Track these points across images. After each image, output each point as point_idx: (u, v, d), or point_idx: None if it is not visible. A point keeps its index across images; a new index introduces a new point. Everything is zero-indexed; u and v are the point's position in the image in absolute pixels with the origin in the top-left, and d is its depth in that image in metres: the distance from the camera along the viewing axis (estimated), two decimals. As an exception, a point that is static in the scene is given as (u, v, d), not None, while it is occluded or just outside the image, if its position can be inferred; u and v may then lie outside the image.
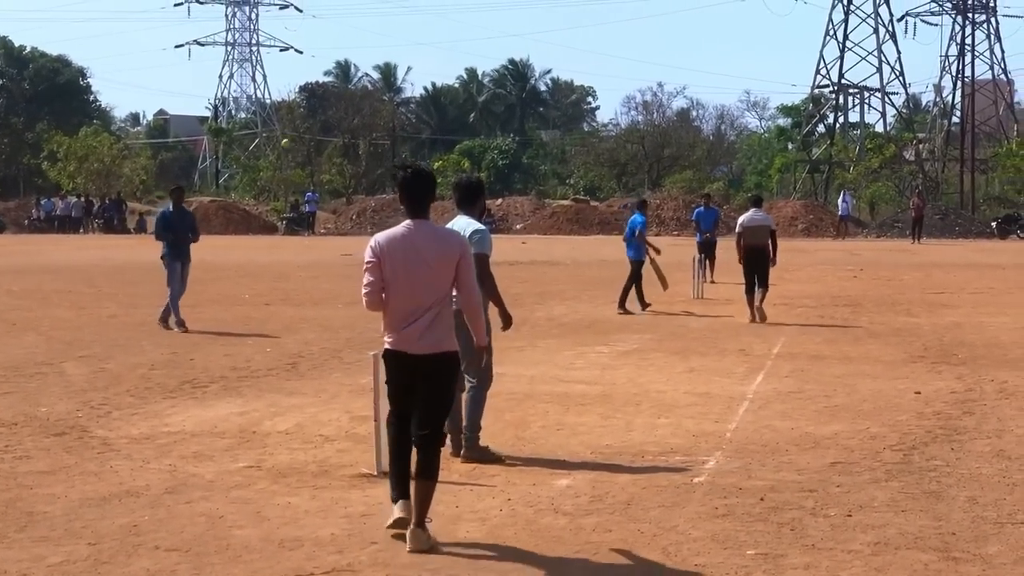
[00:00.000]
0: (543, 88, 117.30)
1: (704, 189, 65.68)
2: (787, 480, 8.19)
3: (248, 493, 7.85)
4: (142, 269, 30.49)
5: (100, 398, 11.55)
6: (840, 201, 57.56)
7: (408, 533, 6.64)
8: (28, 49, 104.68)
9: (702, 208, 29.12)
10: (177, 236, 18.01)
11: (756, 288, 19.17)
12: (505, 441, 9.56)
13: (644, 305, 20.58)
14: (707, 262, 26.59)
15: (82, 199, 64.93)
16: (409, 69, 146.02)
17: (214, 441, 9.55)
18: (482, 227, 9.01)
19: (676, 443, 9.52)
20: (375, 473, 8.32)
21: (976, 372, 13.35)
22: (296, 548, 6.62)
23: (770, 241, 19.52)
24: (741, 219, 20.14)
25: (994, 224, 57.26)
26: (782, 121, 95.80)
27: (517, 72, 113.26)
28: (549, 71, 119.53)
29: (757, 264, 19.31)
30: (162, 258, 18.10)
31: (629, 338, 16.76)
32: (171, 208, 18.50)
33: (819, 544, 6.68)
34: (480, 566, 6.33)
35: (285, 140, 77.85)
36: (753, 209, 20.35)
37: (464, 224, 8.89)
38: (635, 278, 20.74)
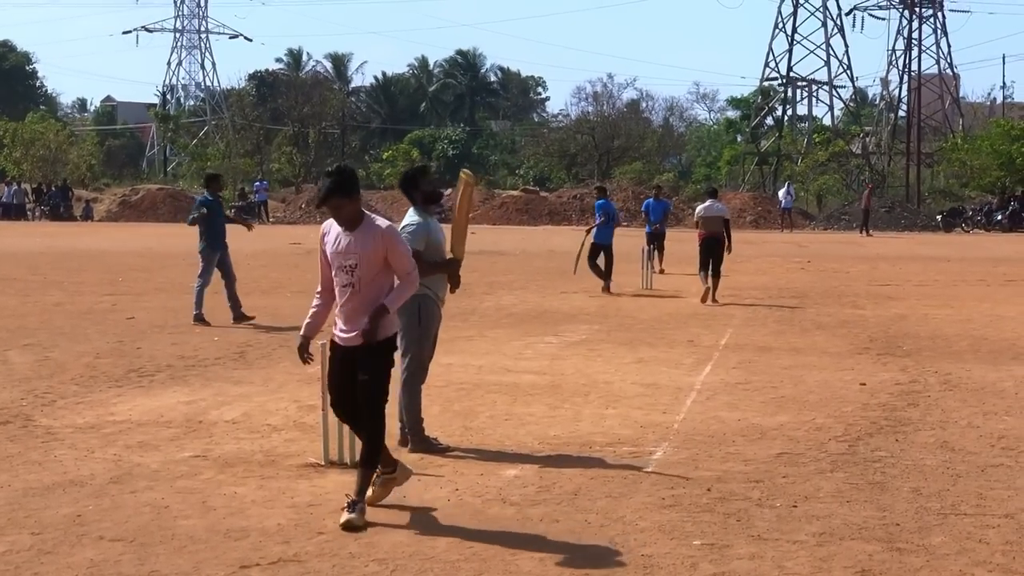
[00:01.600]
0: (493, 78, 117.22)
1: (654, 180, 65.93)
2: (734, 471, 8.23)
3: (194, 483, 7.80)
4: (87, 256, 30.28)
5: (45, 387, 11.45)
6: (784, 194, 57.91)
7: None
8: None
9: (652, 200, 29.30)
10: (217, 226, 17.43)
11: (710, 275, 20.59)
12: (453, 431, 9.55)
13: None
14: (656, 253, 27.02)
15: (26, 186, 64.23)
16: (364, 63, 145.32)
17: (160, 430, 9.48)
18: (410, 224, 8.95)
19: (624, 434, 9.54)
20: (322, 463, 8.30)
21: (920, 364, 13.47)
22: (242, 538, 6.59)
23: (725, 229, 20.94)
24: (698, 209, 21.76)
25: (939, 217, 57.82)
26: (731, 113, 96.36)
27: (467, 62, 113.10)
28: (498, 62, 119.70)
29: (712, 251, 20.75)
30: (201, 252, 17.32)
31: (578, 328, 16.78)
32: (209, 196, 17.70)
33: (765, 534, 6.72)
34: (427, 555, 6.31)
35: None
36: (710, 200, 21.71)
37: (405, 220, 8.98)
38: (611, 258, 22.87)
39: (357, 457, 8.26)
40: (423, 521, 6.98)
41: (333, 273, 7.25)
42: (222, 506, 7.23)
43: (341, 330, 7.22)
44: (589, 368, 13.10)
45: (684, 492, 7.64)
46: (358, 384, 7.13)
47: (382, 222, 7.31)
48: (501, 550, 6.43)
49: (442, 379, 12.13)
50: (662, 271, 27.13)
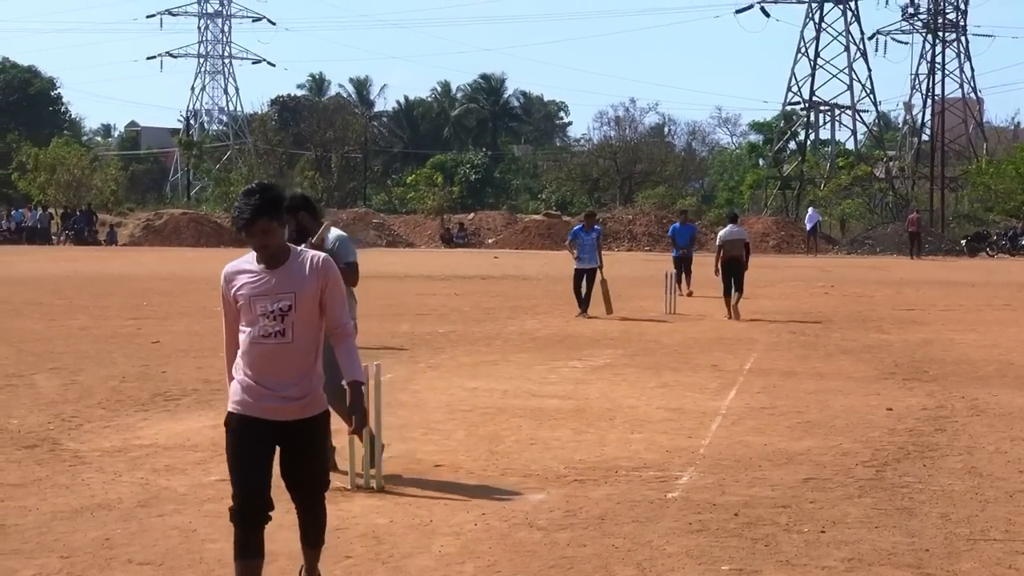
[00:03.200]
0: (515, 103, 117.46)
1: (676, 205, 65.98)
2: (761, 496, 8.21)
3: (221, 507, 7.76)
4: (112, 280, 30.44)
5: (71, 411, 11.49)
6: (808, 218, 58.00)
7: None
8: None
9: (678, 224, 29.56)
10: None
11: (733, 291, 22.12)
12: (479, 455, 9.56)
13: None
14: (684, 276, 27.55)
15: (51, 211, 64.58)
16: (384, 86, 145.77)
17: (186, 454, 9.51)
18: (341, 236, 8.92)
19: (650, 458, 9.53)
20: (349, 487, 8.30)
21: (947, 389, 13.42)
22: (270, 563, 6.57)
23: (745, 250, 22.75)
24: (720, 233, 23.43)
25: (963, 242, 57.65)
26: (753, 137, 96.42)
27: (490, 87, 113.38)
28: (521, 87, 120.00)
29: (734, 271, 22.30)
30: None
31: (602, 353, 16.77)
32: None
33: (793, 560, 6.70)
34: (455, 581, 6.32)
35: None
36: (731, 225, 23.61)
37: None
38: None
39: (383, 483, 8.31)
40: (450, 545, 6.97)
41: (245, 324, 5.71)
42: (249, 530, 7.23)
43: (264, 397, 5.62)
44: (614, 392, 13.09)
45: (711, 517, 7.62)
46: (300, 464, 5.74)
47: (315, 252, 5.90)
48: (528, 574, 6.42)
49: (467, 403, 12.17)
50: (690, 294, 27.34)
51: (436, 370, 14.79)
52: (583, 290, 22.33)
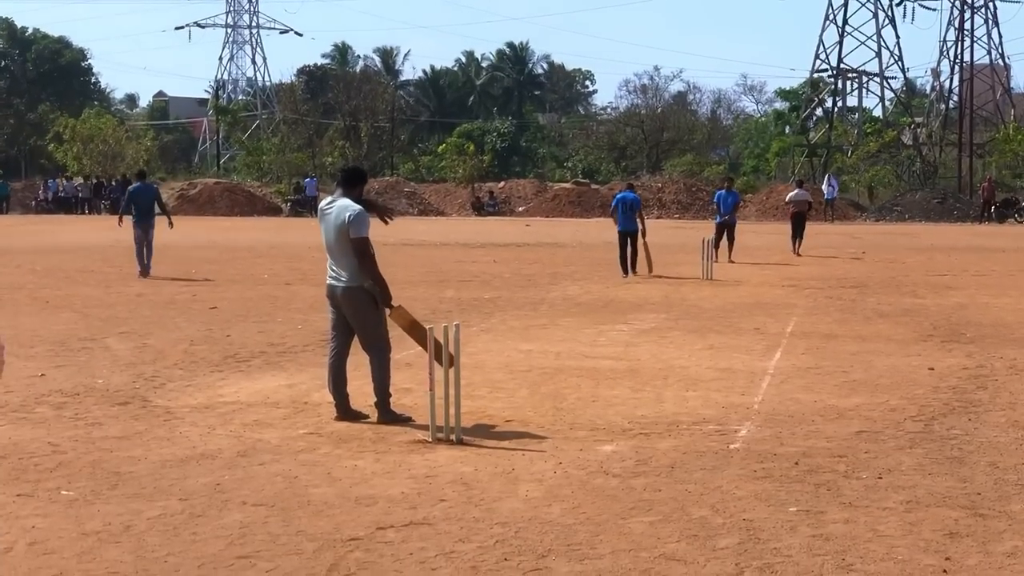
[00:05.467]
0: (540, 71, 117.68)
1: (704, 172, 66.26)
2: (817, 447, 8.73)
3: (315, 456, 8.38)
4: (158, 249, 30.98)
5: (151, 371, 12.08)
6: (825, 185, 58.21)
7: None
8: (30, 31, 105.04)
9: (723, 191, 30.05)
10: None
11: (796, 238, 31.53)
12: (544, 411, 10.10)
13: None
14: (728, 243, 28.37)
15: (91, 180, 65.25)
16: (408, 53, 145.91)
17: (270, 410, 10.08)
18: (358, 209, 9.60)
19: (708, 413, 10.06)
20: (430, 440, 8.85)
21: (985, 350, 13.90)
22: (372, 504, 7.16)
23: (807, 207, 32.87)
24: (790, 195, 33.47)
25: (992, 208, 57.83)
26: (779, 105, 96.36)
27: (515, 55, 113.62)
28: (548, 55, 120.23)
29: (798, 224, 31.74)
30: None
31: (646, 317, 17.28)
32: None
33: (855, 502, 7.23)
34: (544, 519, 6.85)
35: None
36: (797, 189, 33.21)
37: (341, 211, 9.65)
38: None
39: (462, 435, 8.88)
40: (535, 490, 7.51)
41: None
42: (346, 477, 7.81)
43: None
44: (663, 354, 13.60)
45: (773, 466, 8.15)
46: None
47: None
48: (612, 515, 6.96)
49: (525, 364, 12.71)
50: (733, 261, 27.87)
51: (489, 333, 15.32)
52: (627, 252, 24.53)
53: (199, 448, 8.59)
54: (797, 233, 31.49)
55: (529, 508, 7.12)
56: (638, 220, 24.44)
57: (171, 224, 25.38)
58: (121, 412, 9.93)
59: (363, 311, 9.67)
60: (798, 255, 30.51)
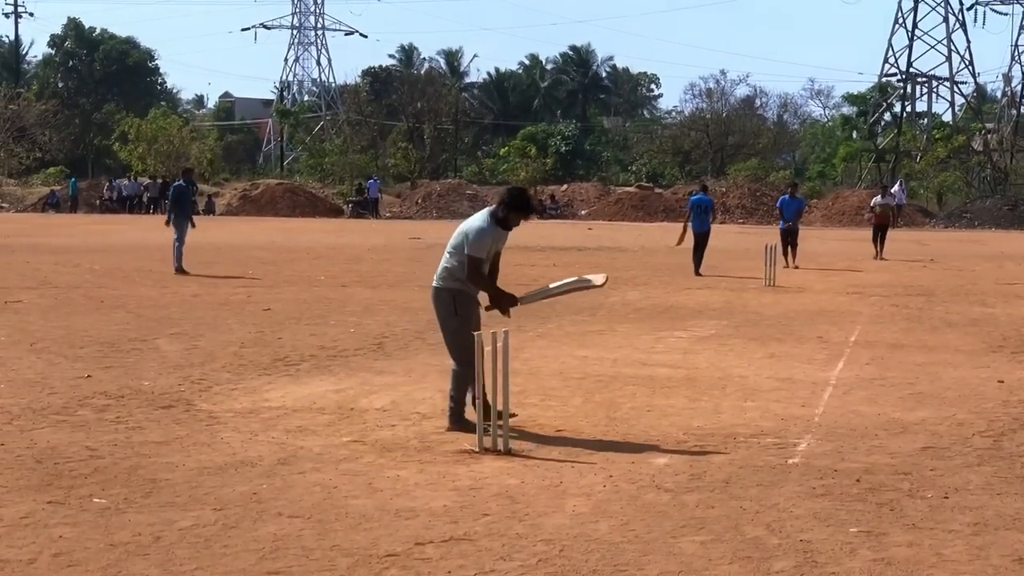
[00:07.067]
0: (604, 74, 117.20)
1: (769, 178, 65.64)
2: (880, 463, 8.36)
3: (357, 466, 8.12)
4: (215, 250, 31.01)
5: (198, 374, 11.89)
6: (897, 190, 57.46)
7: None
8: (98, 31, 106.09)
9: (787, 197, 29.78)
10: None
11: (879, 242, 32.39)
12: (597, 421, 9.80)
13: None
14: (791, 249, 28.07)
15: (158, 180, 65.60)
16: (474, 57, 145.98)
17: (315, 416, 9.84)
18: (481, 227, 9.34)
19: (766, 425, 9.70)
20: (477, 450, 8.57)
21: (1057, 362, 13.42)
22: (412, 518, 6.88)
23: (893, 213, 36.83)
24: (875, 199, 34.98)
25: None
26: (846, 110, 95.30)
27: (579, 58, 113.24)
28: (611, 58, 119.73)
29: (882, 227, 33.01)
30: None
31: (706, 324, 16.92)
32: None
33: (919, 524, 6.86)
34: (591, 537, 6.54)
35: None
36: (881, 195, 35.11)
37: (472, 221, 9.46)
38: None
39: (510, 445, 8.59)
40: (582, 505, 7.21)
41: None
42: (388, 488, 7.54)
43: None
44: (722, 362, 13.25)
45: (834, 482, 7.79)
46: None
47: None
48: (662, 533, 6.64)
49: (579, 371, 12.41)
50: (796, 267, 27.46)
51: (545, 339, 15.04)
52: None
53: (239, 455, 8.36)
54: (881, 238, 32.27)
55: (576, 524, 6.81)
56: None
57: (193, 224, 25.67)
58: (163, 416, 9.72)
59: (441, 314, 9.46)
60: (883, 259, 31.18)
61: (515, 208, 9.48)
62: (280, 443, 8.78)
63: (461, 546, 6.38)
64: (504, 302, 9.67)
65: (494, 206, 9.54)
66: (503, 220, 9.46)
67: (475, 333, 8.91)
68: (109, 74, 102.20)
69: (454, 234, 9.53)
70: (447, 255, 9.48)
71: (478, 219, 9.45)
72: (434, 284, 9.53)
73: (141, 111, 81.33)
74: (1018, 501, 7.38)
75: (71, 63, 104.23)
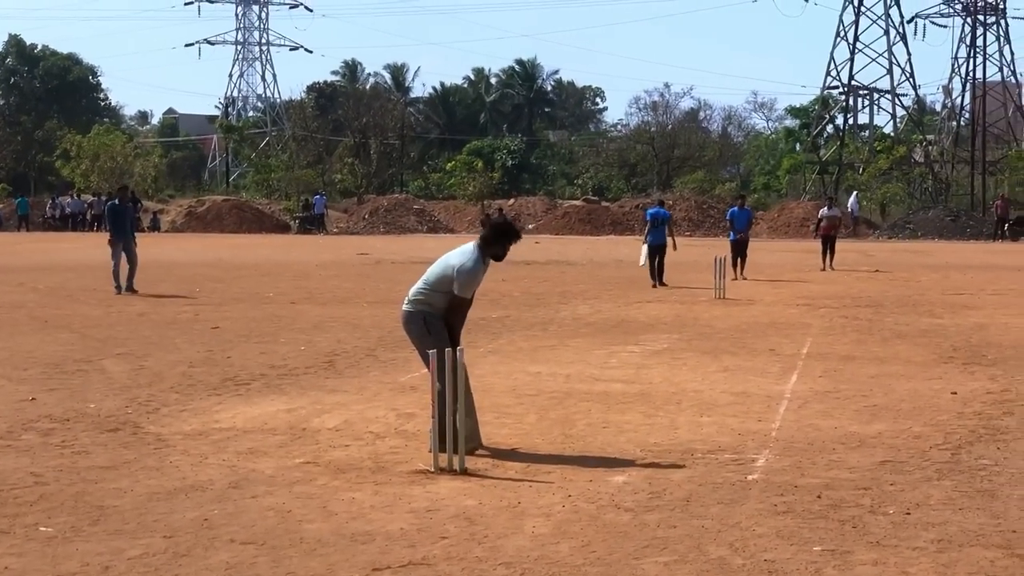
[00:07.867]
0: (550, 88, 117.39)
1: (715, 190, 65.93)
2: (840, 478, 8.28)
3: (311, 488, 7.95)
4: (161, 267, 30.66)
5: (146, 395, 11.67)
6: (853, 202, 57.91)
7: None
8: (39, 47, 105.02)
9: (737, 208, 30.09)
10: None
11: (827, 254, 32.74)
12: (553, 438, 9.68)
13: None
14: (739, 260, 28.30)
15: (102, 197, 64.86)
16: (418, 70, 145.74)
17: (267, 437, 9.65)
18: (473, 269, 9.16)
19: (723, 441, 9.62)
20: (432, 470, 8.42)
21: (1009, 373, 13.44)
22: (368, 542, 6.73)
23: (840, 224, 36.28)
24: (821, 211, 35.16)
25: (1006, 226, 57.33)
26: (789, 122, 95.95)
27: (525, 72, 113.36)
28: (556, 71, 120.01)
29: (829, 239, 33.08)
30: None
31: (658, 338, 16.85)
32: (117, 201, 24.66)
33: (883, 541, 6.78)
34: (552, 559, 6.41)
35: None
36: (827, 207, 34.87)
37: (460, 258, 9.21)
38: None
39: (466, 464, 8.44)
40: (542, 526, 7.08)
41: None
42: (343, 511, 7.37)
43: None
44: (676, 377, 13.17)
45: (795, 499, 7.70)
46: None
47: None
48: (624, 554, 6.52)
49: (533, 388, 12.28)
50: (744, 278, 27.57)
51: (496, 355, 14.90)
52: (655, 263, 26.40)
53: (189, 479, 8.16)
54: (830, 249, 32.72)
55: (536, 546, 6.68)
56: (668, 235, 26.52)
57: (135, 243, 24.84)
58: (110, 439, 9.50)
59: (416, 334, 9.26)
60: (833, 269, 31.93)
61: (503, 240, 9.32)
62: (231, 466, 8.59)
63: (419, 571, 6.23)
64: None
65: (480, 242, 9.32)
66: (496, 255, 9.32)
67: (430, 352, 8.74)
68: (50, 91, 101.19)
69: (436, 263, 9.26)
70: (424, 284, 9.23)
71: (468, 258, 9.14)
72: (405, 308, 9.31)
73: (83, 128, 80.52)
74: (980, 516, 7.32)
75: (12, 80, 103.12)
